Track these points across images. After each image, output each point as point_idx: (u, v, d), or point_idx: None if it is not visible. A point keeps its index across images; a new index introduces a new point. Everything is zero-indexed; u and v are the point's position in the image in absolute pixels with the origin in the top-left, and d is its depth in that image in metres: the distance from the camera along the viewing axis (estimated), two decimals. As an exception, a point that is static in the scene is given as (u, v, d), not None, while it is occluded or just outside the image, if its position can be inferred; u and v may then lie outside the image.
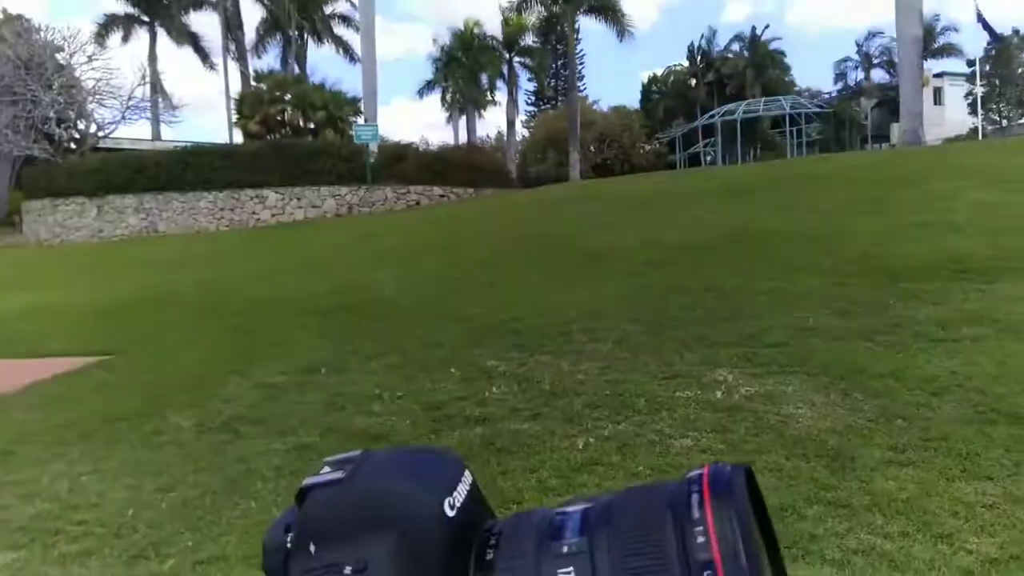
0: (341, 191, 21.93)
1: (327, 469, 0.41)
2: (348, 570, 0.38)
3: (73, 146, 28.47)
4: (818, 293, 6.37)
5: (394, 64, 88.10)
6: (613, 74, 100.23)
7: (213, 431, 4.41)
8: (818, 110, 39.88)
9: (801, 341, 5.17)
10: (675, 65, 50.20)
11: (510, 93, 41.04)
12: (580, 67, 44.65)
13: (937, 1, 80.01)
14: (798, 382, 4.39)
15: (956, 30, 44.88)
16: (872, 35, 44.55)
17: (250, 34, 36.51)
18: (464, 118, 41.53)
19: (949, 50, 41.29)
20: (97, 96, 29.33)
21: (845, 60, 45.83)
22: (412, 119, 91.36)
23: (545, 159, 37.28)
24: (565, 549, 0.38)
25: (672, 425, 3.86)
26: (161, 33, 35.73)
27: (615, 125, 39.18)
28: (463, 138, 41.19)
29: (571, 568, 0.37)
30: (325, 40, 37.76)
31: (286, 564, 0.40)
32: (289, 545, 0.40)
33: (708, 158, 42.23)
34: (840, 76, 46.16)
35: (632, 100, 52.38)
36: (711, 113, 39.98)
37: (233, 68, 34.66)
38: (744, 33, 47.60)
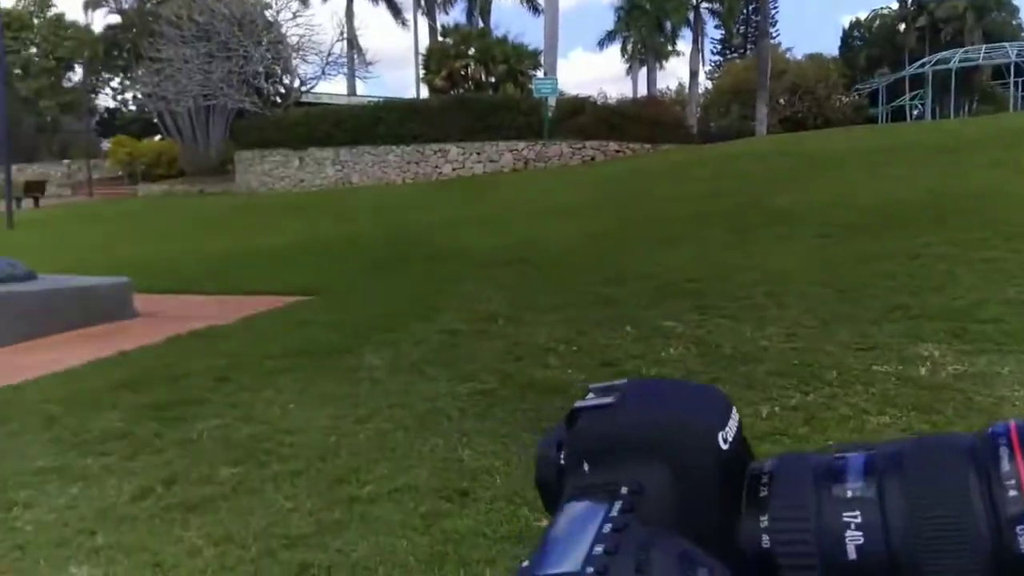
0: (518, 146, 22.21)
1: (592, 396, 0.41)
2: (624, 490, 0.38)
3: (279, 100, 30.84)
4: (1046, 265, 5.65)
5: (573, 14, 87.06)
6: (810, 19, 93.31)
7: (403, 371, 4.69)
8: (1053, 58, 34.93)
9: (1021, 318, 4.63)
10: (882, 9, 45.89)
11: (695, 42, 39.41)
12: (773, 12, 41.84)
13: None
14: (1015, 362, 3.95)
15: None
16: None
17: (438, -12, 37.49)
18: (643, 70, 40.46)
19: None
20: (300, 52, 31.48)
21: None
22: (589, 72, 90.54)
23: (728, 113, 35.63)
24: (850, 493, 0.37)
25: (868, 400, 3.61)
26: (357, -10, 37.55)
27: (809, 75, 36.53)
28: (642, 91, 40.20)
29: (857, 513, 0.36)
30: (509, -8, 38.06)
31: (559, 478, 0.41)
32: (563, 461, 0.41)
33: (915, 112, 38.38)
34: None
35: (830, 47, 48.52)
36: (921, 61, 36.20)
37: (422, 23, 35.86)
38: (966, -30, 42.36)
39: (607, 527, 0.35)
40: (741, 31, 46.20)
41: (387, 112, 24.46)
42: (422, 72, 31.60)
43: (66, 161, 34.82)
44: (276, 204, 19.87)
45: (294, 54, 31.53)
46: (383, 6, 38.86)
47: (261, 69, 29.33)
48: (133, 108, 42.83)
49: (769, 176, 12.50)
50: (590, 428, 0.40)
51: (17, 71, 35.99)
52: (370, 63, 35.72)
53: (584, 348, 4.91)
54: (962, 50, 34.15)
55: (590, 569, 0.33)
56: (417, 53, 35.94)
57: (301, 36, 31.34)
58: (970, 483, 0.35)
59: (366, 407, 4.00)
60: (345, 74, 35.20)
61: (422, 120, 23.33)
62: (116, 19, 39.71)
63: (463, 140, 22.54)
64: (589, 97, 26.50)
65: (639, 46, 39.32)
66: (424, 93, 32.10)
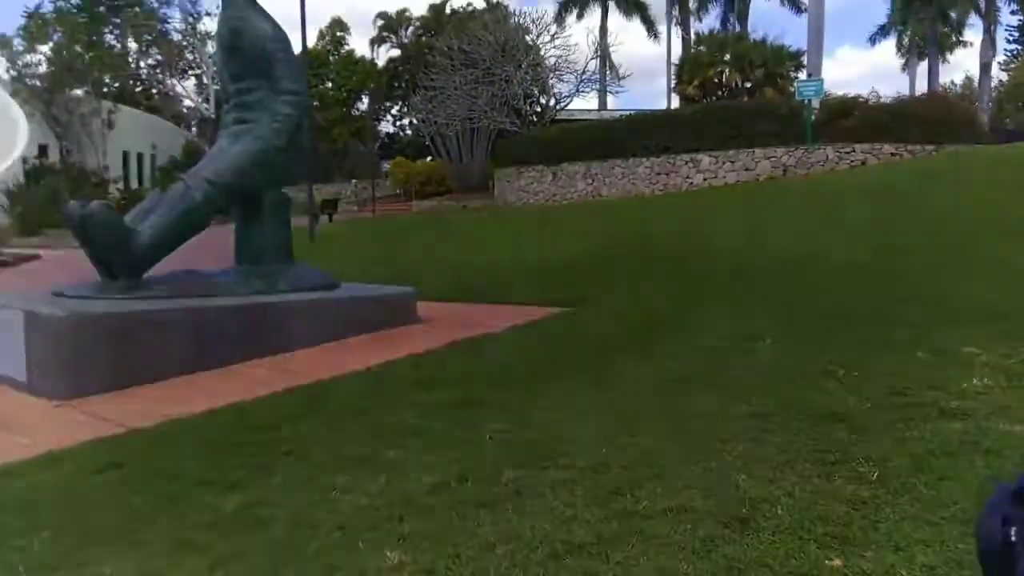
0: (777, 152, 21.13)
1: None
2: None
3: (534, 119, 32.36)
4: None
5: (839, 9, 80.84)
6: None
7: (667, 387, 4.68)
8: None
9: None
10: None
11: (986, 30, 34.80)
12: (1091, -12, 35.70)
13: None
14: None
15: None
16: None
17: (693, -2, 37.00)
18: (922, 64, 36.56)
19: None
20: (557, 72, 32.78)
21: None
22: (856, 69, 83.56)
23: (1030, 107, 30.92)
24: None
25: None
26: (611, 7, 38.27)
27: None
28: (920, 87, 36.33)
29: None
30: (769, -9, 36.50)
31: (1006, 552, 0.40)
32: (1014, 539, 0.40)
33: None
34: None
35: None
36: None
37: (675, 34, 35.59)
38: None
39: None
40: (1047, 13, 39.86)
41: (637, 124, 24.63)
42: (673, 82, 31.33)
43: (353, 181, 39.40)
44: (532, 217, 20.79)
45: (551, 75, 32.91)
46: (636, 20, 39.17)
47: (520, 91, 31.01)
48: (409, 132, 47.35)
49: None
50: None
51: (316, 103, 41.44)
52: (622, 77, 36.14)
53: (866, 374, 4.55)
54: None
55: None
56: (669, 63, 35.72)
57: (558, 57, 32.64)
58: None
59: (631, 421, 4.05)
60: (597, 90, 35.96)
61: (673, 130, 23.12)
62: (397, 53, 44.24)
63: (715, 149, 21.95)
64: (858, 96, 24.46)
65: (917, 39, 35.60)
66: (675, 103, 31.79)
